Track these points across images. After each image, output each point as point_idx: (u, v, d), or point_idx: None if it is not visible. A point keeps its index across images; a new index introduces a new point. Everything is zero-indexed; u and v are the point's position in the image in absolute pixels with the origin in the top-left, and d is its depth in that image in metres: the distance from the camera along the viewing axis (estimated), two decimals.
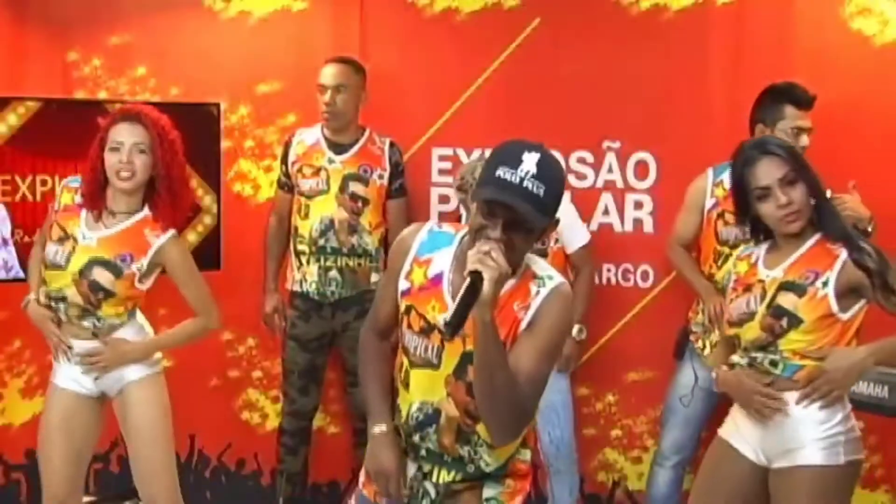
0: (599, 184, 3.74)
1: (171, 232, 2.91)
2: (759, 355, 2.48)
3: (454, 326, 1.86)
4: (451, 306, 1.92)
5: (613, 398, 3.79)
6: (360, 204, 3.64)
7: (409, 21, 3.87)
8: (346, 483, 4.03)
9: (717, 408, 3.47)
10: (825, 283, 2.40)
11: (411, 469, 2.17)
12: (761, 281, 2.50)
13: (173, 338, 3.08)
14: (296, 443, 3.82)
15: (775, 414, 2.45)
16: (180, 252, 2.96)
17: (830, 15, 3.46)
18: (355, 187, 3.64)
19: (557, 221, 2.05)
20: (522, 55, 3.75)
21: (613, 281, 3.72)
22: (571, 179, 3.75)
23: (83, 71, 4.08)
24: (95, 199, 2.89)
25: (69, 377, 2.96)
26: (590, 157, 3.74)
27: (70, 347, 2.92)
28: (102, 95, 4.02)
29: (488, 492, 2.13)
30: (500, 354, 1.92)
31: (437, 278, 2.07)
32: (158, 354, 3.03)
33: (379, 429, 2.17)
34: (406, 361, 2.12)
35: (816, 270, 2.42)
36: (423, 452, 2.14)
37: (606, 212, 3.74)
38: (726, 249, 3.28)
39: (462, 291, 1.87)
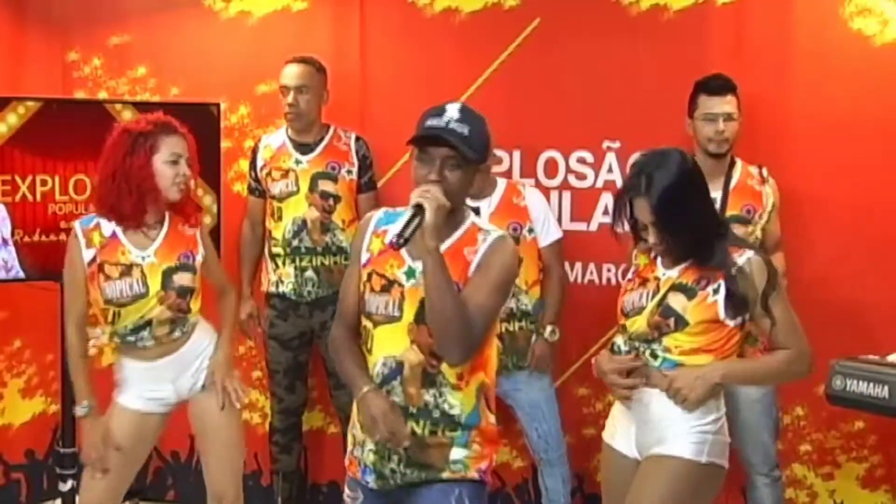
0: (599, 184, 3.73)
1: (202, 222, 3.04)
2: (642, 346, 2.50)
3: (400, 236, 2.12)
4: (401, 224, 2.15)
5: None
6: (331, 202, 3.65)
7: (409, 21, 3.87)
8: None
9: None
10: (716, 290, 2.41)
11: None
12: (657, 278, 2.51)
13: (230, 323, 3.12)
14: (288, 440, 3.83)
15: (629, 395, 2.50)
16: (209, 237, 3.07)
17: (830, 15, 3.45)
18: (325, 185, 3.65)
19: (488, 167, 2.35)
20: (522, 55, 3.74)
21: (614, 281, 3.71)
22: (571, 179, 3.75)
23: (83, 71, 4.09)
24: (140, 213, 2.85)
25: (141, 397, 2.94)
26: (590, 157, 3.74)
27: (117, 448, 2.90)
28: (102, 95, 4.03)
29: (455, 454, 2.26)
30: (446, 278, 2.15)
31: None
32: None
33: (363, 389, 2.25)
34: (369, 324, 2.28)
35: (709, 277, 2.42)
36: None
37: (606, 212, 3.73)
38: None
39: (406, 216, 2.14)
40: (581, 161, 3.75)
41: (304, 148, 3.69)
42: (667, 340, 2.46)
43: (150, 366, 2.91)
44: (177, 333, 2.91)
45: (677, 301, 2.44)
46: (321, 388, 3.97)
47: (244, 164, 4.00)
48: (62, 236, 3.58)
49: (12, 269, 3.52)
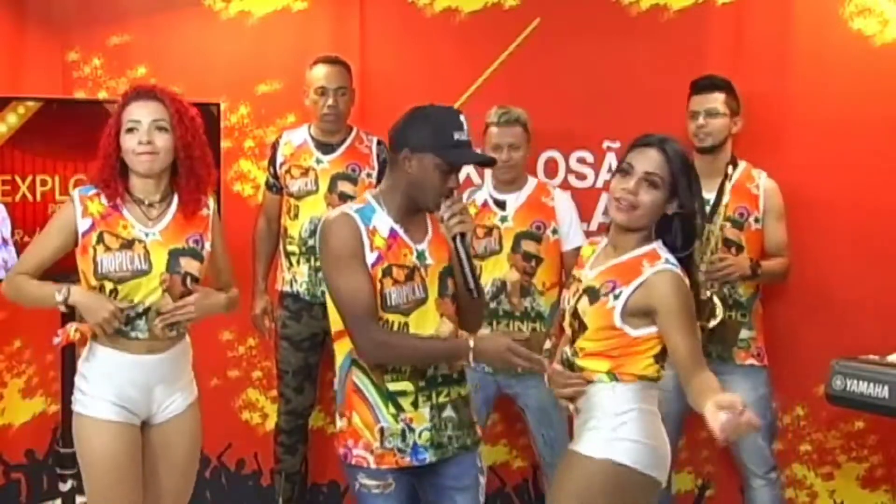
0: (599, 184, 3.73)
1: (212, 200, 2.76)
2: (569, 352, 2.45)
3: (478, 286, 2.42)
4: (465, 274, 2.40)
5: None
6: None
7: (409, 21, 3.87)
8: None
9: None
10: (617, 296, 2.32)
11: (424, 412, 2.45)
12: (579, 280, 2.47)
13: (228, 300, 2.80)
14: (294, 441, 3.83)
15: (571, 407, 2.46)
16: (220, 225, 2.80)
17: (830, 15, 3.45)
18: (344, 187, 3.64)
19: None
20: (522, 55, 3.75)
21: None
22: (571, 179, 3.75)
23: (83, 71, 4.09)
24: (112, 188, 2.60)
25: (108, 402, 2.59)
26: (590, 157, 3.74)
27: (123, 311, 2.56)
28: (102, 95, 4.03)
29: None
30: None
31: (393, 233, 2.43)
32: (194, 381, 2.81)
33: (469, 343, 2.38)
34: (397, 317, 2.41)
35: (616, 281, 2.34)
36: (438, 380, 2.47)
37: (607, 212, 3.72)
38: None
39: (463, 256, 2.38)
40: (581, 161, 3.75)
41: (326, 147, 3.68)
42: (577, 343, 2.41)
43: (133, 360, 2.60)
44: (172, 331, 2.65)
45: (583, 304, 2.40)
46: (322, 388, 3.97)
47: (245, 164, 4.01)
48: None
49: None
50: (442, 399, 2.47)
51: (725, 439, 2.08)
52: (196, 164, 2.65)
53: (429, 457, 2.46)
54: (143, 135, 2.56)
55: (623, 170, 2.38)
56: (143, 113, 2.58)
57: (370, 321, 2.37)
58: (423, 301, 2.43)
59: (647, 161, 2.35)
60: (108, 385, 2.61)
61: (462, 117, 2.44)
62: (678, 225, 2.38)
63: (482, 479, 2.59)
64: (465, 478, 2.55)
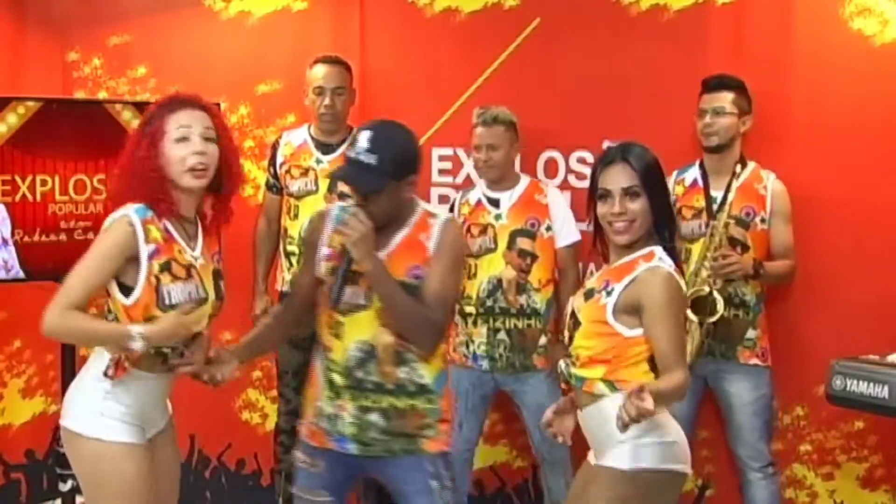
0: None
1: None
2: (564, 364, 2.48)
3: (335, 299, 2.43)
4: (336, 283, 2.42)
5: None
6: None
7: (409, 21, 3.88)
8: None
9: (702, 408, 3.48)
10: (609, 293, 2.37)
11: (351, 407, 2.50)
12: (583, 286, 2.54)
13: None
14: (294, 441, 3.80)
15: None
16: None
17: (830, 15, 3.45)
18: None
19: (411, 181, 2.46)
20: (522, 55, 3.75)
21: None
22: (571, 179, 3.75)
23: (83, 71, 4.09)
24: (166, 203, 2.34)
25: (139, 427, 2.41)
26: (590, 157, 3.73)
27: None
28: (102, 95, 4.04)
29: (430, 418, 2.53)
30: (393, 286, 2.41)
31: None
32: None
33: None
34: (335, 316, 2.49)
35: (610, 280, 2.40)
36: (368, 385, 2.49)
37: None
38: (685, 244, 3.33)
39: (344, 264, 2.40)
40: (581, 161, 3.74)
41: (326, 148, 3.69)
42: (573, 347, 2.43)
43: (161, 378, 2.45)
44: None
45: (578, 302, 2.46)
46: None
47: (245, 164, 4.00)
48: (62, 236, 3.58)
49: (12, 269, 3.52)
50: (368, 403, 2.49)
51: (624, 424, 2.10)
52: (235, 179, 2.49)
53: (352, 449, 2.53)
54: (197, 144, 2.33)
55: (602, 196, 2.43)
56: (192, 120, 2.35)
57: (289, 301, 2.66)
58: (363, 307, 2.47)
59: (618, 177, 2.40)
60: (137, 408, 2.41)
61: (362, 133, 2.43)
62: (661, 219, 2.44)
63: (434, 484, 2.53)
64: (414, 482, 2.54)
